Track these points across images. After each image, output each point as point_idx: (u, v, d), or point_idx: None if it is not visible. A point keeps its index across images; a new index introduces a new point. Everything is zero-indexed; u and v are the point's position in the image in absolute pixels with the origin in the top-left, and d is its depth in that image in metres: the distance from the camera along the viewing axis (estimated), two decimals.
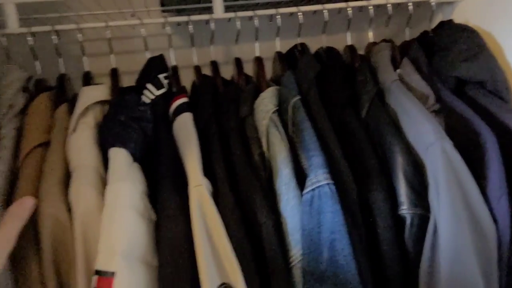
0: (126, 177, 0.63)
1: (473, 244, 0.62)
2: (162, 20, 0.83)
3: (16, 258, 0.59)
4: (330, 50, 0.91)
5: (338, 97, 0.80)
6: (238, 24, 0.85)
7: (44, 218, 0.59)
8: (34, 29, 0.77)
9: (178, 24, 0.88)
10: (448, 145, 0.64)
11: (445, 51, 0.83)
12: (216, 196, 0.64)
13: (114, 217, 0.59)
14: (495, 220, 0.65)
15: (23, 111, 0.74)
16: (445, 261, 0.62)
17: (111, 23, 0.81)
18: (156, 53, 0.82)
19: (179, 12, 0.97)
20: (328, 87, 0.82)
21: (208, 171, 0.67)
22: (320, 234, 0.63)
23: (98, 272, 0.56)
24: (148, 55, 0.82)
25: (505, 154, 0.69)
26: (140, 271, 0.57)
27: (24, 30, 0.77)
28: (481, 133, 0.69)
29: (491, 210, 0.65)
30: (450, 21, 0.90)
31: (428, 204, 0.66)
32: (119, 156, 0.66)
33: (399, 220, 0.67)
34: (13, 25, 0.76)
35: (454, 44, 0.82)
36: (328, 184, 0.63)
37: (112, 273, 0.56)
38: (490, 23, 0.86)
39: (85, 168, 0.64)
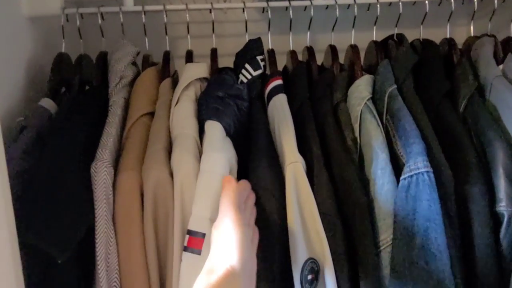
0: (220, 148, 0.67)
1: None
2: (263, 4, 0.85)
3: (120, 215, 0.64)
4: (427, 42, 0.89)
5: (435, 89, 0.78)
6: (337, 11, 0.86)
7: (148, 178, 0.64)
8: (147, 8, 0.83)
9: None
10: None
11: None
12: (311, 175, 0.65)
13: (207, 184, 0.62)
14: None
15: (132, 83, 0.80)
16: None
17: (216, 5, 0.85)
18: (252, 37, 0.84)
19: None
20: (424, 79, 0.81)
21: (302, 152, 0.69)
22: (414, 220, 0.63)
23: (189, 232, 0.60)
24: (246, 38, 0.85)
25: None
26: None
27: (138, 8, 0.83)
28: None
29: None
30: None
31: None
32: (215, 129, 0.69)
33: (495, 217, 0.65)
34: (129, 3, 0.83)
35: None
36: (427, 172, 0.63)
37: (203, 234, 0.59)
38: None
39: (186, 136, 0.68)
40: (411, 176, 0.63)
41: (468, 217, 0.65)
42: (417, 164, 0.63)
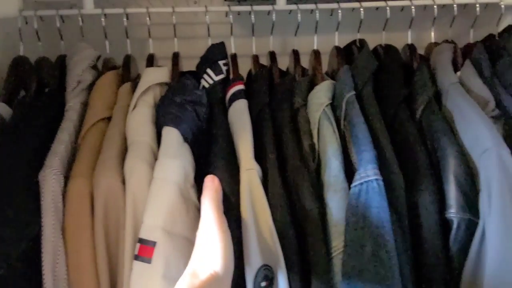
0: (175, 155, 0.66)
1: None
2: (226, 8, 0.85)
3: (70, 223, 0.63)
4: (388, 48, 0.90)
5: (393, 95, 0.79)
6: (299, 16, 0.86)
7: (99, 186, 0.63)
8: (107, 10, 0.82)
9: (238, 13, 0.90)
10: (505, 152, 0.62)
11: (510, 56, 0.80)
12: (265, 181, 0.66)
13: (160, 192, 0.62)
14: None
15: (90, 87, 0.79)
16: (490, 269, 0.61)
17: (177, 9, 0.84)
18: (217, 41, 0.84)
19: (240, 2, 0.99)
20: (384, 84, 0.82)
21: (259, 157, 0.69)
22: (364, 228, 0.63)
23: (140, 240, 0.59)
24: (210, 42, 0.85)
25: None
26: (181, 245, 0.60)
27: (98, 11, 0.82)
28: None
29: None
30: None
31: (477, 210, 0.64)
32: (171, 135, 0.68)
33: (446, 223, 0.66)
34: (88, 6, 0.82)
35: None
36: (376, 179, 0.63)
37: (154, 243, 0.59)
38: None
39: (140, 143, 0.68)
40: (361, 183, 0.64)
41: (419, 223, 0.66)
42: (367, 171, 0.64)
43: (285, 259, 0.62)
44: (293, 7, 0.86)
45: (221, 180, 0.63)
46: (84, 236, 0.61)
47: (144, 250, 0.58)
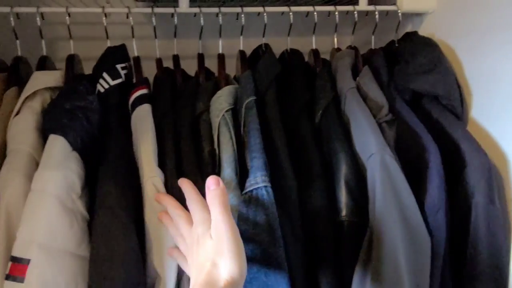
0: (57, 166, 0.62)
1: (406, 255, 0.63)
2: (125, 10, 0.82)
3: None
4: (294, 53, 0.91)
5: (295, 100, 0.80)
6: (202, 20, 0.85)
7: None
8: (18, 9, 0.77)
9: (155, 14, 0.87)
10: (388, 156, 0.65)
11: (406, 63, 0.84)
12: (166, 188, 0.64)
13: (37, 205, 0.58)
14: (431, 233, 0.65)
15: None
16: (376, 271, 0.62)
17: (72, 10, 0.80)
18: (127, 42, 0.81)
19: (154, 2, 0.96)
20: (288, 89, 0.82)
21: (162, 164, 0.67)
22: (255, 235, 0.63)
23: (13, 259, 0.55)
24: (116, 43, 0.81)
25: (450, 168, 0.71)
26: (62, 261, 0.57)
27: (6, 9, 0.76)
28: (427, 147, 0.70)
29: (428, 223, 0.66)
30: (415, 32, 0.91)
31: (367, 213, 0.66)
32: (56, 144, 0.65)
33: (339, 226, 0.67)
34: None
35: (414, 57, 0.83)
36: (265, 186, 0.63)
37: (28, 261, 0.55)
38: (454, 38, 0.86)
39: (18, 152, 0.63)
40: (251, 191, 0.63)
41: (312, 228, 0.66)
42: (256, 179, 0.64)
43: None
44: (195, 10, 0.84)
45: (108, 191, 0.61)
46: None
47: (16, 268, 0.54)
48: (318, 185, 0.67)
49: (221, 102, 0.76)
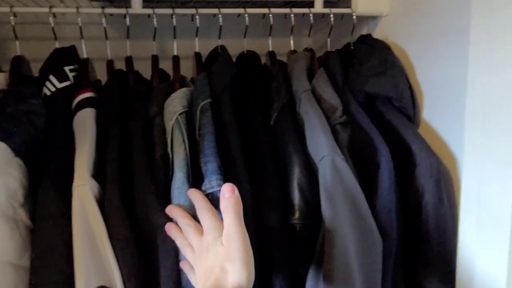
0: None
1: (358, 255, 0.63)
2: (73, 10, 0.79)
3: None
4: (250, 55, 0.91)
5: (251, 102, 0.80)
6: (155, 21, 0.83)
7: None
8: None
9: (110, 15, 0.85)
10: (339, 159, 0.65)
11: (359, 65, 0.85)
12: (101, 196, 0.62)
13: None
14: (383, 233, 0.66)
15: None
16: (328, 272, 0.63)
17: (18, 9, 0.77)
18: (88, 42, 0.79)
19: (111, 2, 0.94)
20: (244, 91, 0.82)
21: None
22: None
23: None
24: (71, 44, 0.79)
25: (403, 168, 0.72)
26: (3, 274, 0.55)
27: None
28: (378, 149, 0.71)
29: (380, 223, 0.66)
30: (369, 35, 0.92)
31: (320, 215, 0.66)
32: None
33: (292, 229, 0.67)
34: None
35: (368, 59, 0.84)
36: (220, 191, 0.62)
37: None
38: (407, 41, 0.88)
39: None
40: (207, 195, 0.63)
41: (265, 231, 0.66)
42: (212, 183, 0.63)
43: (127, 279, 0.59)
44: (149, 11, 0.82)
45: (49, 200, 0.59)
46: None
47: None
48: (272, 189, 0.67)
49: (175, 105, 0.75)
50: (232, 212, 0.53)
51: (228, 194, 0.54)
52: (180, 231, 0.61)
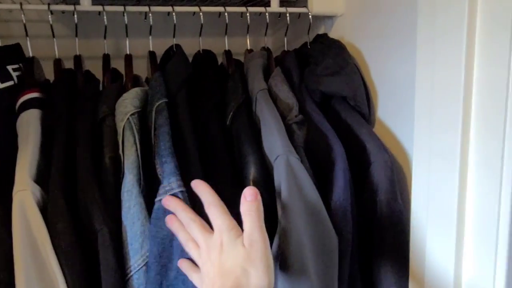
0: None
1: (313, 252, 0.63)
2: (17, 6, 0.75)
3: None
4: (207, 54, 0.89)
5: (207, 102, 0.78)
6: (105, 19, 0.80)
7: None
8: None
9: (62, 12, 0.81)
10: (293, 158, 0.65)
11: (315, 64, 0.85)
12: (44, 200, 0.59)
13: None
14: (339, 231, 0.66)
15: None
16: (284, 270, 0.62)
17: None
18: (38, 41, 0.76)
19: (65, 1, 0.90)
20: (200, 91, 0.80)
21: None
22: (172, 241, 0.61)
23: None
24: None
25: (357, 167, 0.72)
26: None
27: None
28: (333, 148, 0.71)
29: (335, 221, 0.66)
30: (325, 34, 0.92)
31: (276, 215, 0.65)
32: None
33: None
34: None
35: (323, 59, 0.84)
36: (181, 191, 0.61)
37: None
38: (362, 41, 0.89)
39: None
40: None
41: None
42: (171, 184, 0.61)
43: (72, 285, 0.56)
44: (98, 8, 0.79)
45: None
46: None
47: None
48: (228, 190, 0.66)
49: (126, 105, 0.72)
50: (255, 216, 0.54)
51: (251, 197, 0.55)
52: (182, 225, 0.59)
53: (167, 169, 0.64)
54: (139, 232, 0.60)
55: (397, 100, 0.78)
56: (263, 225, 0.54)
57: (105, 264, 0.58)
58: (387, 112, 0.82)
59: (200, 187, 0.59)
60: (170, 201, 0.60)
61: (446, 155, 0.59)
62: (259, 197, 0.55)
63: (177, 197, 0.62)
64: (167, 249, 0.61)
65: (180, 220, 0.59)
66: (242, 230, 0.55)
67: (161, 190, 0.63)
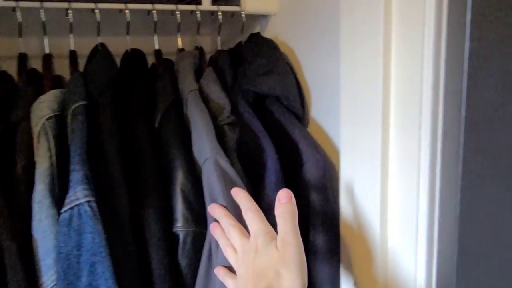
0: None
1: None
2: None
3: None
4: (135, 53, 0.85)
5: (133, 104, 0.74)
6: (19, 15, 0.74)
7: None
8: None
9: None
10: (222, 159, 0.62)
11: (248, 64, 0.83)
12: None
13: None
14: None
15: None
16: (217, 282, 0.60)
17: None
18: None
19: None
20: (127, 92, 0.76)
21: None
22: (79, 257, 0.56)
23: None
24: None
25: (291, 167, 0.71)
26: None
27: None
28: (265, 149, 0.69)
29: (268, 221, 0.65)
30: (258, 34, 0.91)
31: (204, 221, 0.63)
32: None
33: (175, 237, 0.63)
34: None
35: (255, 58, 0.82)
36: (88, 201, 0.56)
37: None
38: (295, 40, 0.88)
39: None
40: (72, 208, 0.56)
41: (145, 242, 0.61)
42: (77, 194, 0.57)
43: None
44: (12, 3, 0.73)
45: None
46: None
47: None
48: (153, 197, 0.62)
49: (42, 109, 0.67)
50: (289, 218, 0.54)
51: (285, 200, 0.55)
52: (223, 232, 0.59)
53: (74, 178, 0.59)
54: (51, 246, 0.55)
55: (327, 99, 0.78)
56: (297, 227, 0.54)
57: (14, 285, 0.53)
58: (320, 112, 0.81)
59: (239, 195, 0.59)
60: (214, 209, 0.60)
61: (368, 152, 0.59)
62: (294, 200, 0.55)
63: (83, 208, 0.57)
64: (73, 266, 0.56)
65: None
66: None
67: (66, 200, 0.58)
